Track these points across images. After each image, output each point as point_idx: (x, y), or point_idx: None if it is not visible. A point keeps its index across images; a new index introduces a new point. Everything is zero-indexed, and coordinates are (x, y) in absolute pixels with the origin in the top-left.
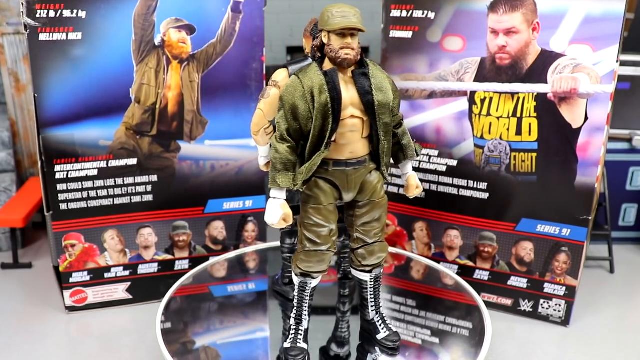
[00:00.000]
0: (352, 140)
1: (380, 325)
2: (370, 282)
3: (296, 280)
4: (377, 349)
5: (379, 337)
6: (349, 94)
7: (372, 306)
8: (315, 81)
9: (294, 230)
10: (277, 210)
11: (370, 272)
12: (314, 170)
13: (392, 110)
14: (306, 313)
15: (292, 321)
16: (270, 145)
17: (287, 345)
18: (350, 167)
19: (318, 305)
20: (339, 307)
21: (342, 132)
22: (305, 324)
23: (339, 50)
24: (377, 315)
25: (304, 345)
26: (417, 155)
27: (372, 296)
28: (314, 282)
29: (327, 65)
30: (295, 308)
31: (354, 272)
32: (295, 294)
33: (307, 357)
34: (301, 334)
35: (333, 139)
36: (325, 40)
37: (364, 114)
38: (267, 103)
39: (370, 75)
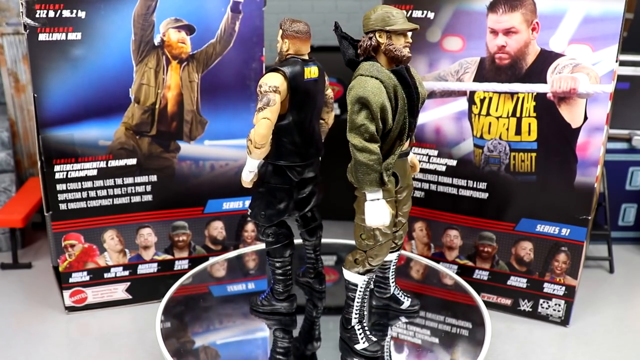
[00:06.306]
0: None
1: (401, 296)
2: (395, 259)
3: (360, 279)
4: (401, 317)
5: (404, 306)
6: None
7: (393, 281)
8: (394, 79)
9: (290, 242)
10: (385, 210)
11: (398, 250)
12: None
13: None
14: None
15: (354, 322)
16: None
17: (363, 345)
18: (406, 156)
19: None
20: (317, 302)
21: None
22: (366, 320)
23: (403, 48)
24: (397, 288)
25: (376, 338)
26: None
27: (394, 272)
28: (374, 276)
29: (385, 63)
30: (357, 308)
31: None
32: (359, 294)
33: None
34: (368, 330)
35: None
36: (382, 40)
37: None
38: (273, 111)
39: (412, 72)
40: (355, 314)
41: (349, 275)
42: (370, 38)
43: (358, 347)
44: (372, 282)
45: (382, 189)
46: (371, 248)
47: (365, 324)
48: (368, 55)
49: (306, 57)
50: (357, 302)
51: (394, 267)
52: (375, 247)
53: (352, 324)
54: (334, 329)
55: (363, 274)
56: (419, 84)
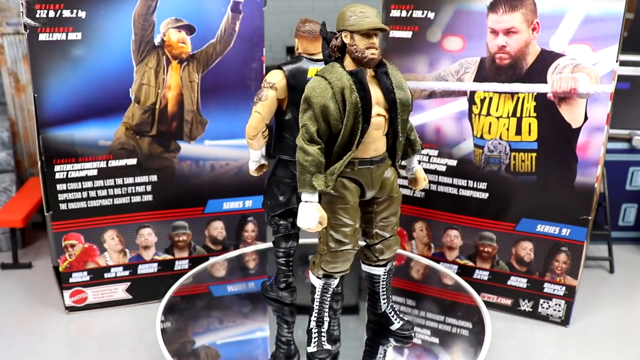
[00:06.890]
0: (377, 138)
1: (392, 316)
2: (384, 275)
3: (318, 282)
4: (390, 339)
5: (393, 327)
6: (375, 93)
7: (383, 299)
8: (345, 81)
9: (291, 234)
10: (313, 214)
11: (385, 265)
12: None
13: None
14: (327, 314)
15: (312, 324)
16: (267, 150)
17: (312, 349)
18: (374, 164)
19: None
20: (332, 304)
21: (369, 130)
22: (326, 326)
23: (365, 50)
24: (389, 307)
25: (329, 347)
26: (422, 149)
27: (384, 289)
28: (335, 282)
29: (349, 64)
30: (316, 311)
31: (366, 268)
32: (317, 296)
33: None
34: (324, 336)
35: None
36: (347, 40)
37: (387, 112)
38: (265, 106)
39: (390, 75)
40: (314, 316)
41: (310, 276)
42: (337, 38)
43: (309, 349)
44: (330, 289)
45: (317, 192)
46: (324, 253)
47: (323, 329)
48: (337, 56)
49: (319, 57)
50: (316, 305)
51: (385, 283)
52: (328, 253)
53: (311, 327)
54: (354, 328)
55: (320, 277)
56: (397, 88)
